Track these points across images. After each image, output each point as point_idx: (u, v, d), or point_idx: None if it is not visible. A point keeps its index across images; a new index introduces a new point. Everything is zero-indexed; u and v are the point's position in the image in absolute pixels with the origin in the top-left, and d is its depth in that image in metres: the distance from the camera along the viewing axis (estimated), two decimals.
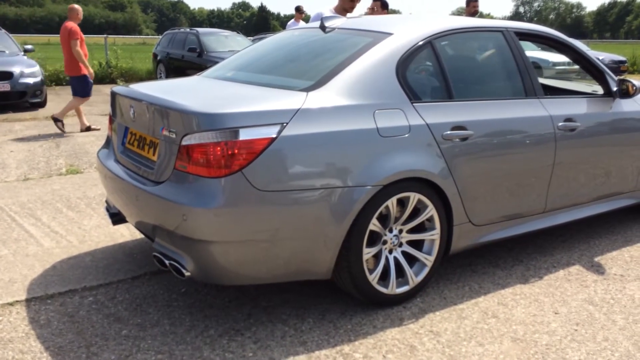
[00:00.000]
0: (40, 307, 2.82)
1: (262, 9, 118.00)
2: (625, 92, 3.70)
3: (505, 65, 3.34)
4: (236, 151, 2.36)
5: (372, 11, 6.18)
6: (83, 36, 7.55)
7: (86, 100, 7.67)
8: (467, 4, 8.19)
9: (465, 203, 2.96)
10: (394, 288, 2.81)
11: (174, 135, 2.51)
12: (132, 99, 2.89)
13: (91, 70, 7.59)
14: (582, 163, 3.50)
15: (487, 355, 2.47)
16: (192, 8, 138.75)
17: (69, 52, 7.42)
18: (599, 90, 3.82)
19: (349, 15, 3.49)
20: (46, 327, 2.63)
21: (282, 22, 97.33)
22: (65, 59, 7.55)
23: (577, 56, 3.75)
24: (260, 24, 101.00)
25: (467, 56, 3.48)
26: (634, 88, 3.67)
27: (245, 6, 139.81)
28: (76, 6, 7.72)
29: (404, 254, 2.87)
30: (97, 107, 10.02)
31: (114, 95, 3.16)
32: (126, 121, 3.01)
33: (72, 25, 7.44)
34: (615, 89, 3.71)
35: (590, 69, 3.78)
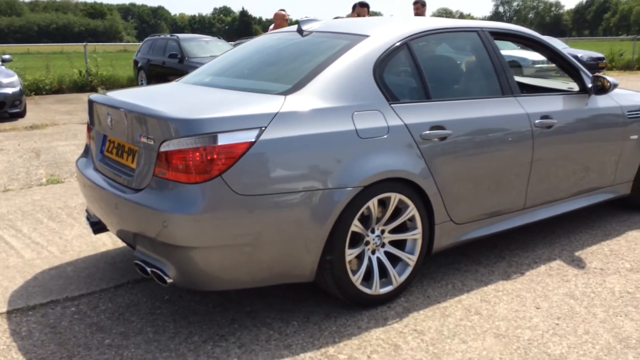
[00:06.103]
0: (21, 318, 2.78)
1: (243, 13, 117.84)
2: (601, 89, 3.76)
3: (481, 64, 3.38)
4: (215, 156, 2.36)
5: (357, 15, 6.21)
6: None
7: None
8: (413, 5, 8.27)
9: (446, 202, 2.98)
10: (377, 288, 2.83)
11: (152, 142, 2.50)
12: (109, 106, 2.88)
13: None
14: (560, 159, 3.54)
15: (471, 352, 2.49)
16: (173, 14, 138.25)
17: None
18: (575, 87, 3.87)
19: None
20: (28, 338, 2.60)
21: (264, 27, 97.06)
22: None
23: (551, 54, 3.80)
24: (242, 28, 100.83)
25: (443, 56, 3.51)
26: (609, 84, 3.73)
27: (227, 11, 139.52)
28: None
29: (387, 254, 2.88)
30: (77, 116, 9.92)
31: (91, 103, 3.14)
32: (104, 129, 2.99)
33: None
34: (590, 85, 3.77)
35: (565, 66, 3.83)
